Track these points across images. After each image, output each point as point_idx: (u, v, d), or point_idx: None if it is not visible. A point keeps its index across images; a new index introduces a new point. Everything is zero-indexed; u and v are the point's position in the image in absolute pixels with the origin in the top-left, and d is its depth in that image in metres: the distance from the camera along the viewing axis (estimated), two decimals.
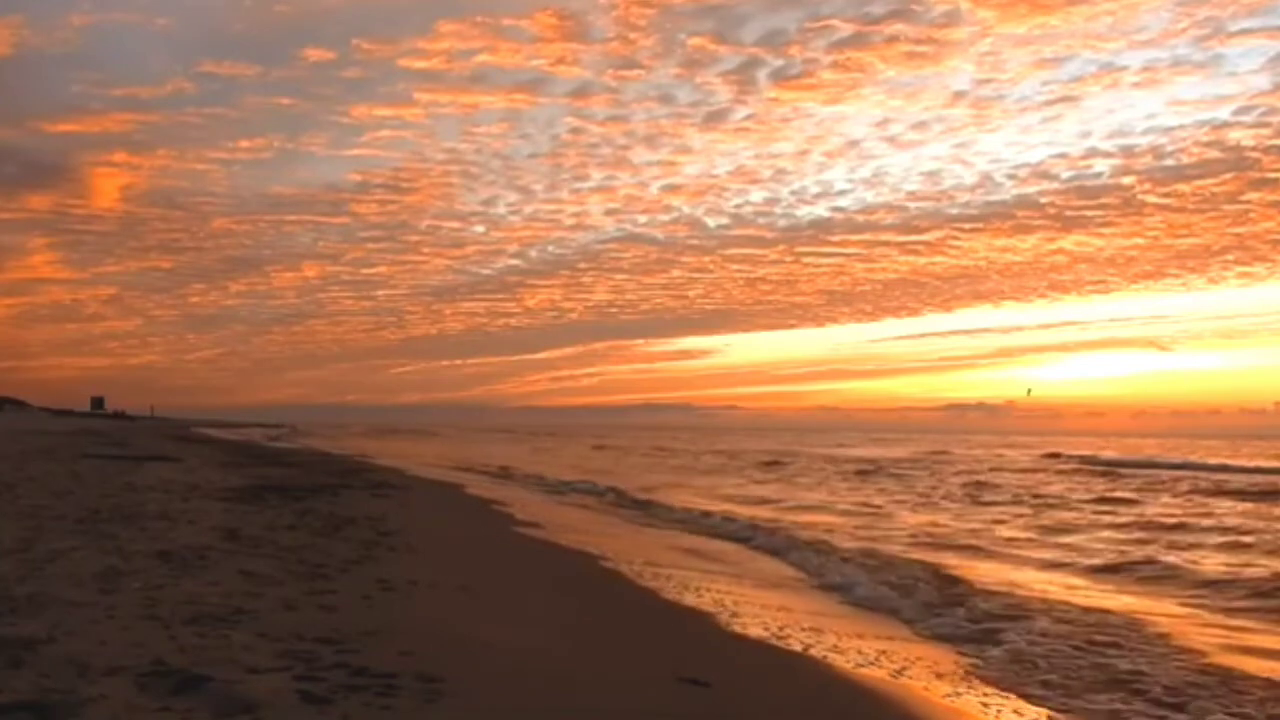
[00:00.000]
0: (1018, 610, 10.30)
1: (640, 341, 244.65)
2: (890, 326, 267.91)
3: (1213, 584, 12.77)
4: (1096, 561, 14.90)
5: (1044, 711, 6.79)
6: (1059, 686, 7.47)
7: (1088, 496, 27.47)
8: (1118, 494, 28.27)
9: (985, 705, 6.78)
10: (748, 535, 17.54)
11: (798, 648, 8.02)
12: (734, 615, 9.27)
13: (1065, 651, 8.53)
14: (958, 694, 7.02)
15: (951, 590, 11.56)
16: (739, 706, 6.06)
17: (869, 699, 6.63)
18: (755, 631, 8.57)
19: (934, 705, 6.63)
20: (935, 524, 19.93)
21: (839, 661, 7.65)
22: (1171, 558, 15.10)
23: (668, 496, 25.52)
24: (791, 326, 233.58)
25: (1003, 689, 7.30)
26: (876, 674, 7.36)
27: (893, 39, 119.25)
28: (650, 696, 5.97)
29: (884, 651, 8.26)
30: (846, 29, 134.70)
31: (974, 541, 17.12)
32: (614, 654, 7.29)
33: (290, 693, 4.92)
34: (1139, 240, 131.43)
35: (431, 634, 6.74)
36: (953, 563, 13.96)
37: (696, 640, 8.16)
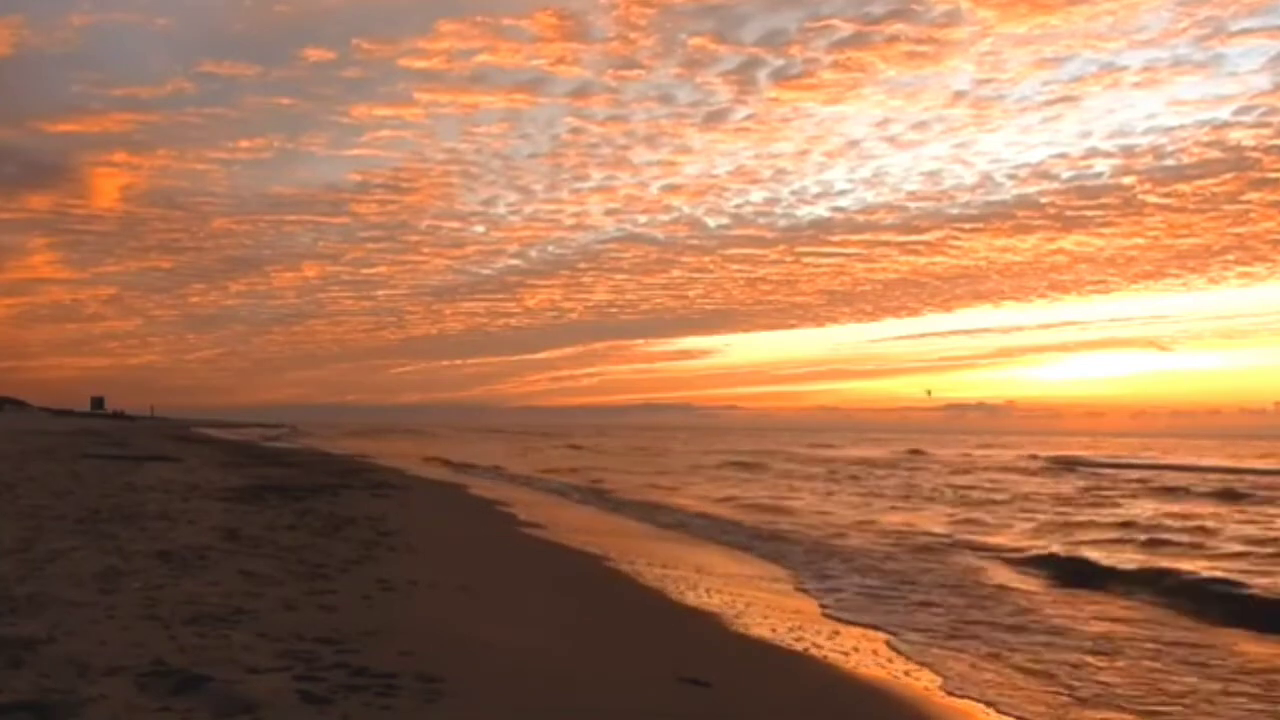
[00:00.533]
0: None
1: (640, 341, 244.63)
2: (890, 326, 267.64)
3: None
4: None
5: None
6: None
7: (1020, 494, 27.98)
8: (1060, 492, 28.68)
9: (990, 705, 6.78)
10: (706, 529, 18.42)
11: (799, 647, 8.02)
12: (738, 615, 9.27)
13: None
14: (959, 693, 7.02)
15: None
16: (739, 706, 6.06)
17: (871, 699, 6.63)
18: (758, 631, 8.58)
19: (936, 706, 6.63)
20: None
21: (839, 661, 7.65)
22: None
23: (640, 495, 25.81)
24: (792, 326, 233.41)
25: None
26: (879, 674, 7.36)
27: (893, 39, 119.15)
28: (650, 696, 5.97)
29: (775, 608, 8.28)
30: (847, 29, 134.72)
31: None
32: (614, 654, 7.29)
33: (290, 693, 4.92)
34: (1139, 240, 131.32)
35: (431, 634, 6.75)
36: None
37: (696, 640, 8.16)
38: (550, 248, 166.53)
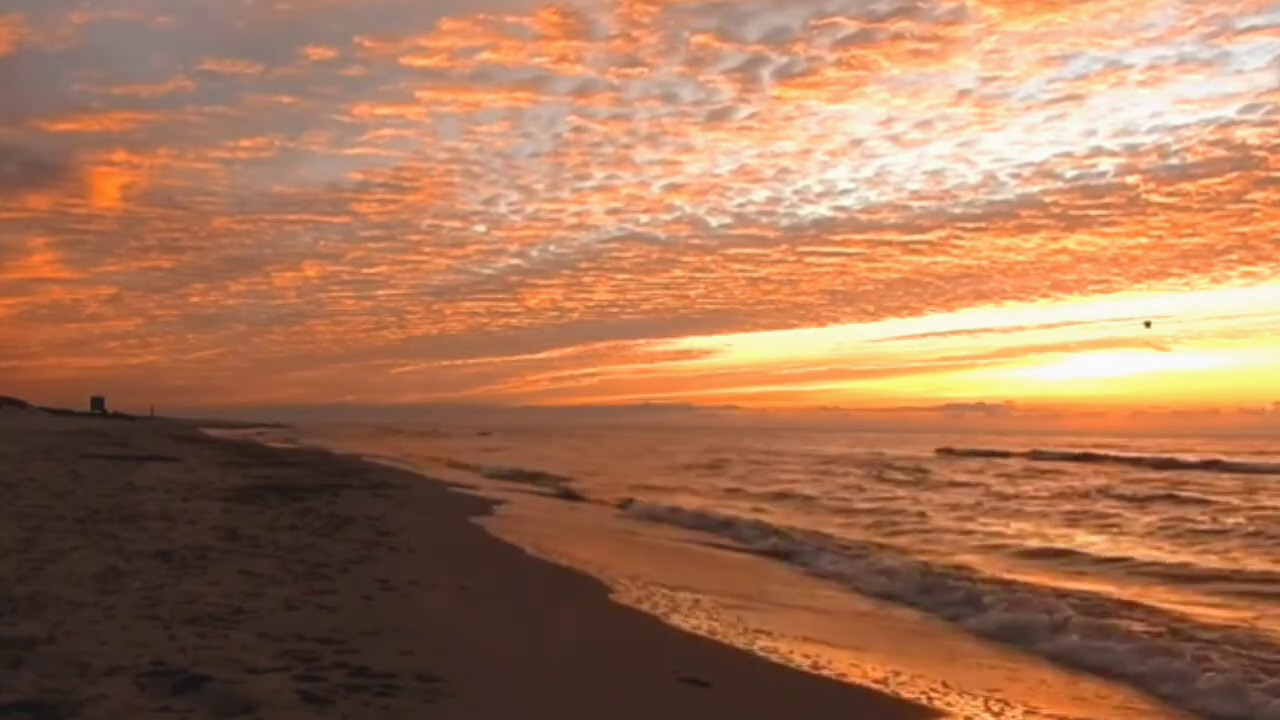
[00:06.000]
0: None
1: (641, 341, 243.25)
2: (892, 326, 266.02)
3: None
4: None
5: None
6: None
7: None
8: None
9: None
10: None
11: (794, 647, 8.02)
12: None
13: None
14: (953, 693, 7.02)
15: None
16: (739, 706, 6.06)
17: (868, 701, 6.63)
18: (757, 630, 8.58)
19: (929, 709, 6.63)
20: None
21: (835, 663, 7.65)
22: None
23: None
24: (793, 326, 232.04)
25: None
26: (882, 674, 7.36)
27: (898, 36, 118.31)
28: (650, 696, 5.98)
29: None
30: (851, 26, 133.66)
31: None
32: (614, 653, 7.30)
33: (290, 693, 4.93)
34: (1143, 240, 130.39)
35: (431, 634, 6.75)
36: None
37: (697, 640, 8.15)
38: (551, 247, 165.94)
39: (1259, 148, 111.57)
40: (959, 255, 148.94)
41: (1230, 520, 19.65)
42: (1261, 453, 55.90)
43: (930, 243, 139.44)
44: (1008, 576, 12.48)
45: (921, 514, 20.94)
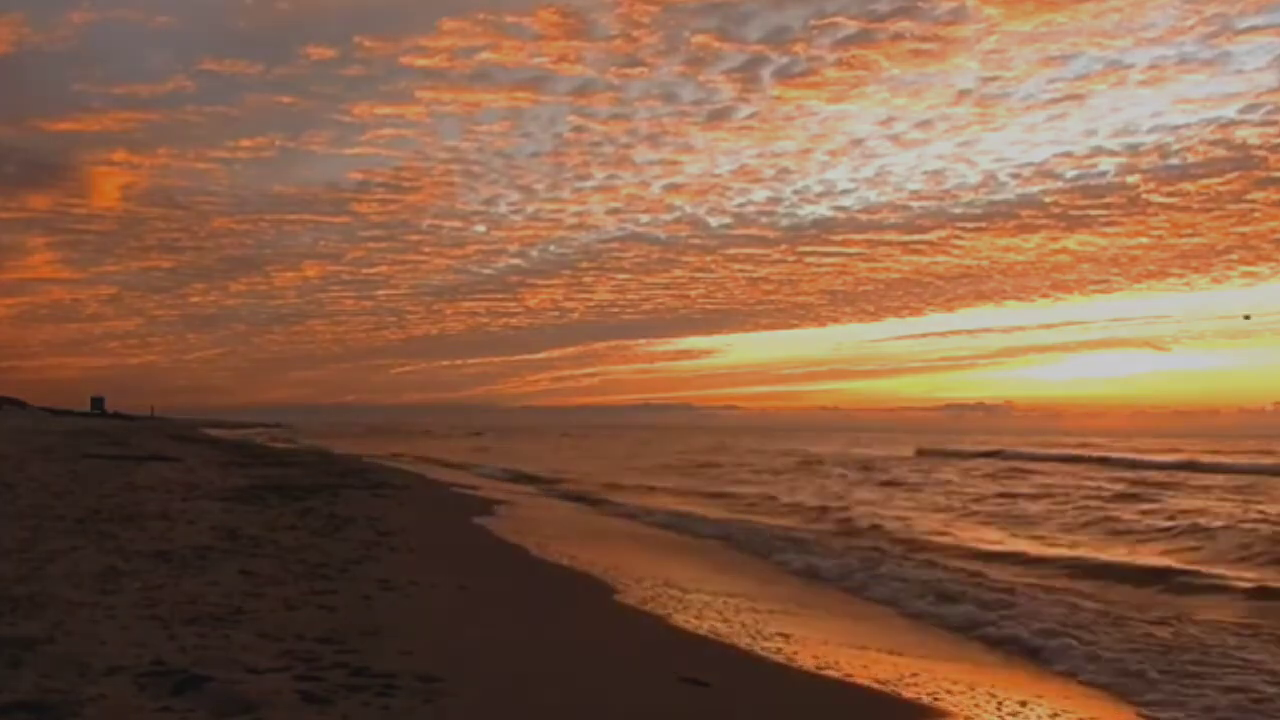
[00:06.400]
0: None
1: (641, 341, 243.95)
2: (892, 326, 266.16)
3: None
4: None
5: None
6: None
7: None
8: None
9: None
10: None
11: (795, 647, 8.03)
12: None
13: None
14: (961, 692, 7.02)
15: None
16: (739, 706, 6.06)
17: (868, 701, 6.63)
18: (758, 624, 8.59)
19: (930, 708, 6.63)
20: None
21: (835, 663, 7.65)
22: None
23: None
24: (793, 326, 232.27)
25: None
26: (883, 674, 7.37)
27: (898, 36, 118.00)
28: (650, 696, 5.98)
29: None
30: (852, 26, 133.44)
31: None
32: (614, 653, 7.30)
33: (290, 693, 4.93)
34: (1143, 240, 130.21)
35: (431, 634, 6.76)
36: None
37: (696, 640, 8.16)
38: (552, 247, 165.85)
39: (1259, 148, 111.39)
40: (959, 255, 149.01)
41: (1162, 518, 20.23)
42: (1246, 452, 56.25)
43: (930, 243, 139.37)
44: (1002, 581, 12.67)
45: (876, 515, 21.40)
